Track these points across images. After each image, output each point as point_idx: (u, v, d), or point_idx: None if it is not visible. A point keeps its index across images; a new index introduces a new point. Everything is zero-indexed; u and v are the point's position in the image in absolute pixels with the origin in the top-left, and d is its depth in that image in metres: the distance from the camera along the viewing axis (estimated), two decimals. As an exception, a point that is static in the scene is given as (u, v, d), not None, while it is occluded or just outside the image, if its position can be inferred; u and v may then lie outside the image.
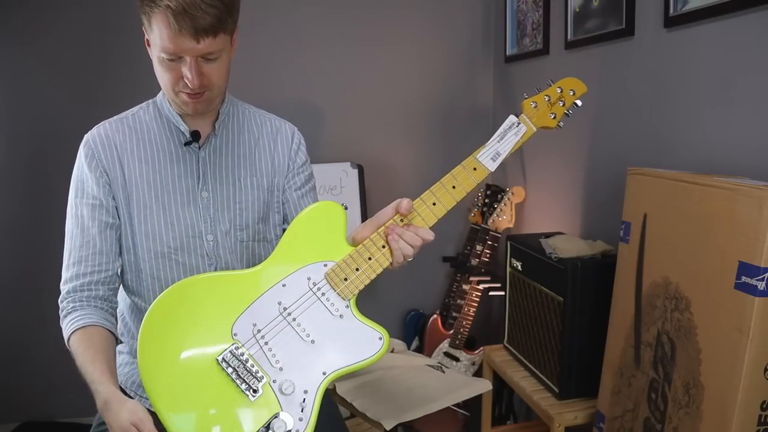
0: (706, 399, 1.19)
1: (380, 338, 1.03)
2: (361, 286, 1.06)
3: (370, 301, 1.81)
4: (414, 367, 1.97)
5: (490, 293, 2.29)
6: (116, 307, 1.22)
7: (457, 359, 2.30)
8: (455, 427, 2.29)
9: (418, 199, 1.08)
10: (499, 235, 2.32)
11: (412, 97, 2.65)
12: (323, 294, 1.05)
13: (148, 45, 1.14)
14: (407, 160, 2.67)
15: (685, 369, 1.25)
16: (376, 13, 2.59)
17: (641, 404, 1.40)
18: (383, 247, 1.06)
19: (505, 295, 2.02)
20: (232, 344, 1.00)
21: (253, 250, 1.27)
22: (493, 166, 1.10)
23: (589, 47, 1.96)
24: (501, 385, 2.28)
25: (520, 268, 1.90)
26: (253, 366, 0.99)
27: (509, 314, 1.99)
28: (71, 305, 1.14)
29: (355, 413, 1.76)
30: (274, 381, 0.98)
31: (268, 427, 0.94)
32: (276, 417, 0.95)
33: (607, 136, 1.91)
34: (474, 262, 2.38)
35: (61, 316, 1.15)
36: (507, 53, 2.53)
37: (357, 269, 1.06)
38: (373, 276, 1.06)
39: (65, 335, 1.12)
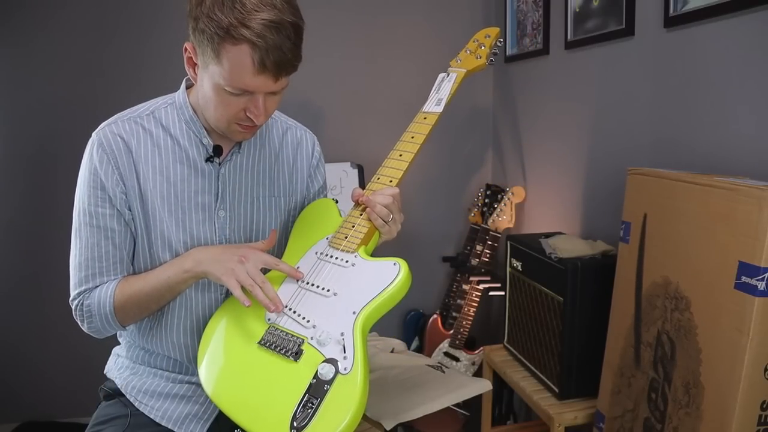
0: (706, 399, 1.19)
1: (395, 264, 1.02)
2: (361, 236, 1.08)
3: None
4: (414, 367, 1.96)
5: (490, 293, 2.29)
6: None
7: (457, 359, 2.30)
8: (455, 427, 2.29)
9: (387, 158, 1.17)
10: (499, 235, 2.32)
11: (412, 97, 2.63)
12: (330, 256, 1.10)
13: (194, 67, 1.07)
14: (407, 160, 2.66)
15: (685, 369, 1.25)
16: (376, 13, 2.58)
17: (641, 404, 1.39)
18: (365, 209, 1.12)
19: (505, 295, 2.02)
20: (267, 327, 1.05)
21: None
22: (439, 109, 1.21)
23: (589, 47, 1.96)
24: (501, 385, 2.28)
25: (520, 268, 1.90)
26: (288, 334, 1.02)
27: (509, 314, 1.99)
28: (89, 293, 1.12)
29: (354, 413, 1.76)
30: (311, 338, 1.00)
31: (316, 376, 0.95)
32: (321, 364, 0.96)
33: (607, 136, 1.91)
34: (474, 262, 2.38)
35: (83, 304, 1.11)
36: (507, 53, 2.53)
37: (353, 226, 1.11)
38: (369, 225, 1.10)
39: (107, 306, 1.10)
